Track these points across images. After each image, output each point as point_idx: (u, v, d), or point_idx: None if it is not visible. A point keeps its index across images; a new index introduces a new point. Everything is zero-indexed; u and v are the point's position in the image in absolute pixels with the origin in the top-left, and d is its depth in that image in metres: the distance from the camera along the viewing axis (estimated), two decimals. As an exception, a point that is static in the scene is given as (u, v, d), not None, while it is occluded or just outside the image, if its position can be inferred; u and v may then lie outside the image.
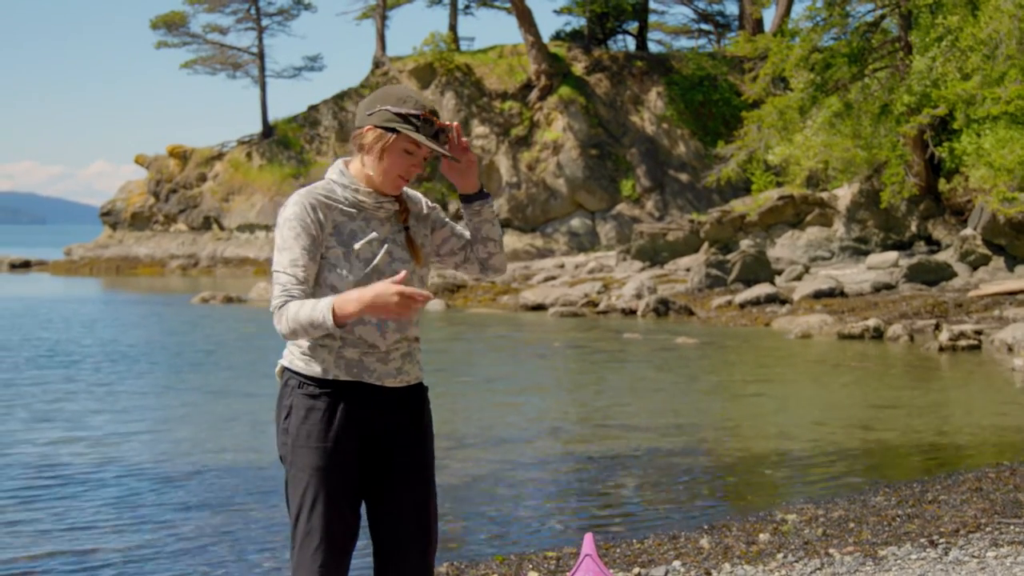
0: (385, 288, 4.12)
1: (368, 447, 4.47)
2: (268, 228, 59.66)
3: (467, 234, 4.78)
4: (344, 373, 4.41)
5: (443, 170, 4.61)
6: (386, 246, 4.46)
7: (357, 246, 4.41)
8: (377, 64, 66.72)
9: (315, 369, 4.42)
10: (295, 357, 4.48)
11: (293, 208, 4.38)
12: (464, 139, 4.53)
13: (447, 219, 4.77)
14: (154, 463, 12.05)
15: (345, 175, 4.51)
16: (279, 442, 4.51)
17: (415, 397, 4.58)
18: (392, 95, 4.46)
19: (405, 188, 4.63)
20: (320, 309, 4.16)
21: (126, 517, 9.74)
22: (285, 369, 4.54)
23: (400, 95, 4.45)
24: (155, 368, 20.44)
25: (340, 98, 65.61)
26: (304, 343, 4.43)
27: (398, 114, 4.39)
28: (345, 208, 4.45)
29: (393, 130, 4.39)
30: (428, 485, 4.60)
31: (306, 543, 4.36)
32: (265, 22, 70.97)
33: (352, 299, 4.15)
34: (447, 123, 4.47)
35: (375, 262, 4.41)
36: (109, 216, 68.66)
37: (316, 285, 4.40)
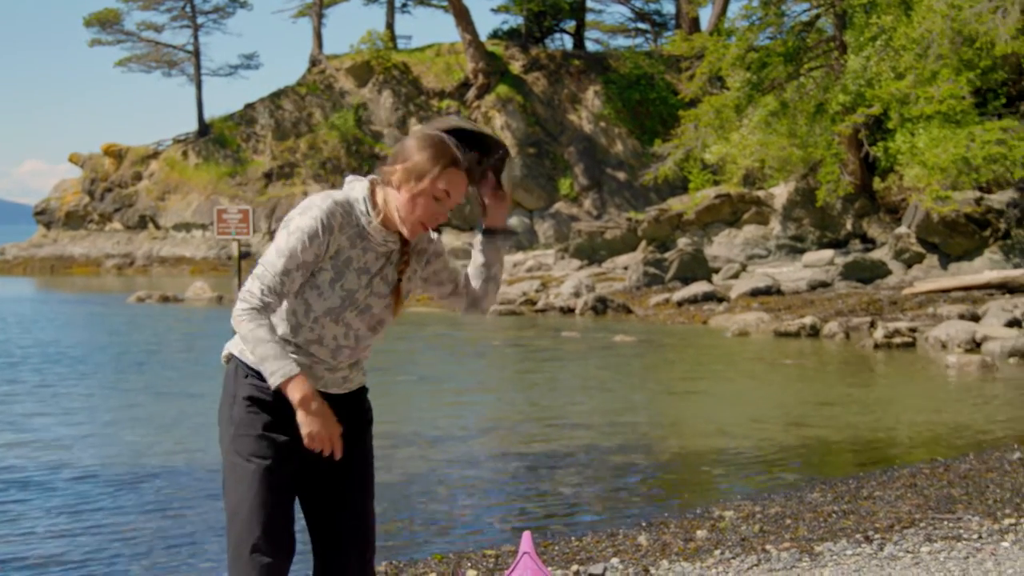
0: (328, 425, 4.15)
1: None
2: (204, 227, 59.28)
3: (461, 271, 4.68)
4: None
5: (484, 194, 4.50)
6: (373, 281, 4.40)
7: (346, 276, 4.33)
8: (314, 62, 66.50)
9: None
10: (245, 349, 4.43)
11: (311, 221, 4.23)
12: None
13: (445, 251, 4.67)
14: (103, 466, 11.91)
15: (368, 202, 4.36)
16: (222, 431, 4.46)
17: (356, 399, 4.56)
18: (434, 126, 4.33)
19: None
20: (275, 367, 4.13)
21: (75, 522, 9.64)
22: (233, 356, 4.50)
23: (442, 123, 4.33)
24: (99, 369, 20.24)
25: (277, 96, 65.32)
26: None
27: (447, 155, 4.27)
28: (352, 232, 4.33)
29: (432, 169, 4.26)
30: (367, 486, 4.55)
31: (245, 536, 4.27)
32: (200, 20, 70.59)
33: (301, 396, 4.13)
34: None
35: (356, 294, 4.35)
36: (43, 215, 68.04)
37: (294, 295, 4.36)
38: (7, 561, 8.42)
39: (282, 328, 4.37)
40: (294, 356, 4.35)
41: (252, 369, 4.38)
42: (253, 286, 4.21)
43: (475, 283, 4.67)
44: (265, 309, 4.19)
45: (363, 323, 4.42)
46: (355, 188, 4.40)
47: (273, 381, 4.12)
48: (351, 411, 4.49)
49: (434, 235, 4.64)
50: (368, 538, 4.52)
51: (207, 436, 13.22)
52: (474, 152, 4.32)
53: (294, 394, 4.11)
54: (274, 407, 4.35)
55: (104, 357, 22.08)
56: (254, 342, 4.15)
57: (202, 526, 9.37)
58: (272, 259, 4.22)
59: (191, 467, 11.80)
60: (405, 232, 4.34)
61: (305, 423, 4.13)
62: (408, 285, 4.55)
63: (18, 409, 15.84)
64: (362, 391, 4.61)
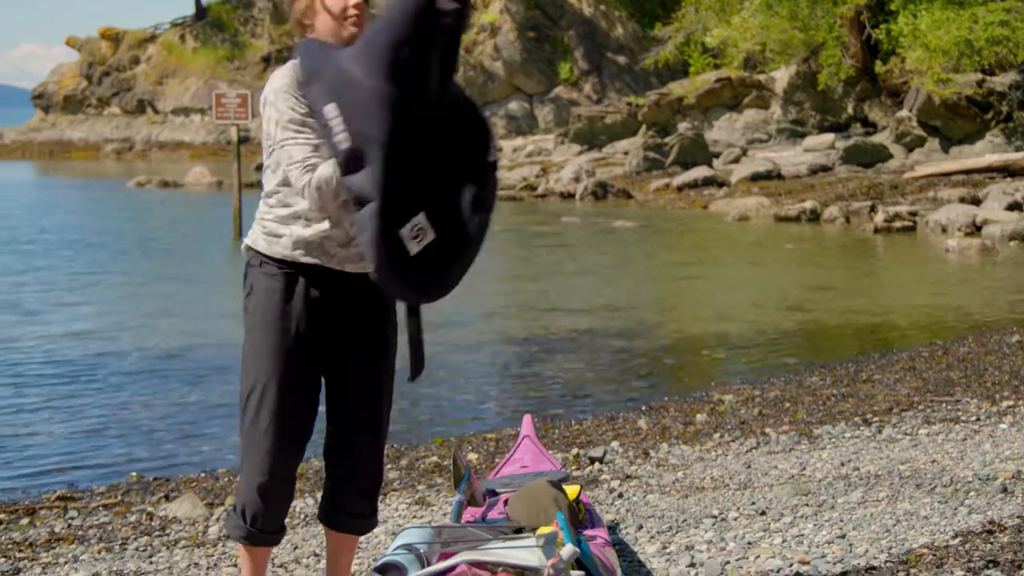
0: None
1: (327, 330, 4.37)
2: (203, 112, 58.90)
3: None
4: (304, 254, 4.28)
5: None
6: None
7: None
8: (311, -57, 65.77)
9: (276, 249, 4.29)
10: (259, 237, 4.35)
11: (278, 81, 4.22)
12: None
13: None
14: (146, 356, 12.01)
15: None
16: (245, 320, 4.45)
17: (375, 289, 4.34)
18: None
19: None
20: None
21: (124, 410, 9.77)
22: (248, 248, 4.45)
23: None
24: (119, 256, 20.25)
25: (274, -21, 64.73)
26: (270, 223, 4.35)
27: None
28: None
29: None
30: (382, 374, 4.47)
31: (255, 425, 4.28)
32: (197, -100, 69.72)
33: None
34: None
35: None
36: (41, 99, 67.68)
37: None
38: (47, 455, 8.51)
39: (297, 204, 4.33)
40: (307, 231, 4.29)
41: (266, 257, 4.34)
42: (296, 158, 4.16)
43: None
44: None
45: None
46: (298, 51, 4.28)
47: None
48: (371, 294, 4.35)
49: None
50: (379, 426, 4.49)
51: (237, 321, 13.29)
52: None
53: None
54: (287, 295, 4.30)
55: (125, 244, 22.06)
56: (323, 181, 4.08)
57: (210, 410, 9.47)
58: (289, 137, 4.16)
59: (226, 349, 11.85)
60: (344, 35, 4.22)
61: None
62: None
63: (53, 298, 15.79)
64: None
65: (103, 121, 64.46)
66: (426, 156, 4.03)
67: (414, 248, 3.99)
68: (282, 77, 4.21)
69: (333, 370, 4.45)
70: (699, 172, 30.93)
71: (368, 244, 3.96)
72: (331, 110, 3.98)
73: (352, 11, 4.20)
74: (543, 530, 4.27)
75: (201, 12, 65.78)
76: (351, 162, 3.96)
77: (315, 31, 4.26)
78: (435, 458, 7.68)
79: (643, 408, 9.15)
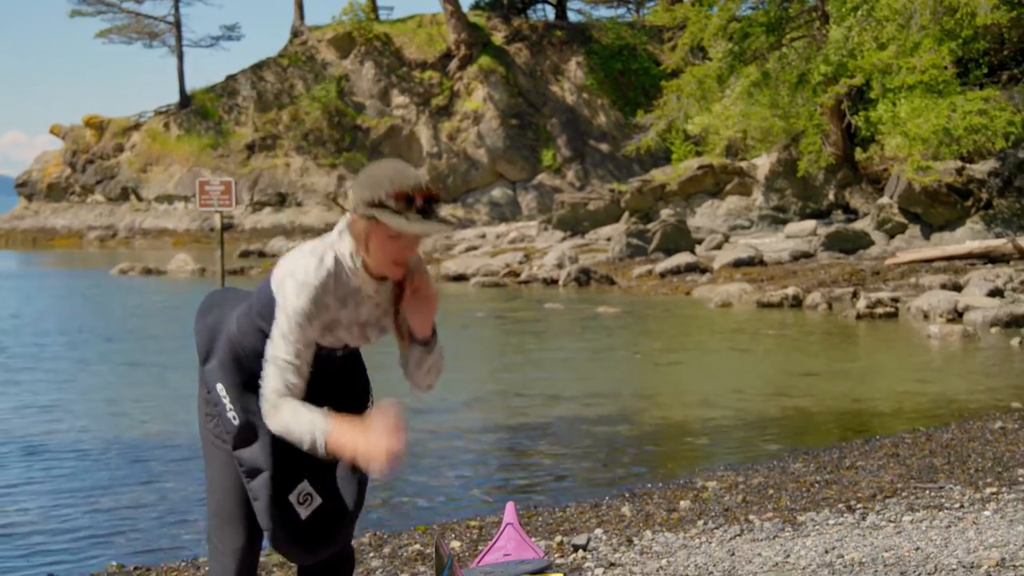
0: (377, 447, 4.00)
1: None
2: (186, 199, 59.05)
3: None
4: None
5: (404, 304, 4.29)
6: (366, 330, 4.35)
7: (336, 333, 4.26)
8: (296, 33, 66.32)
9: None
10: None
11: (303, 302, 4.11)
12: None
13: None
14: (110, 440, 11.96)
15: (350, 258, 4.19)
16: (199, 415, 4.49)
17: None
18: (371, 179, 4.09)
19: None
20: (313, 436, 4.02)
21: (71, 496, 9.69)
22: None
23: (377, 178, 4.07)
24: (103, 343, 20.20)
25: (258, 68, 65.12)
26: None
27: (372, 202, 4.01)
28: (343, 293, 4.21)
29: (373, 218, 4.05)
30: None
31: (216, 510, 4.38)
32: (182, -10, 70.33)
33: (348, 442, 3.99)
34: (431, 192, 4.07)
35: (344, 338, 4.32)
36: (25, 187, 67.84)
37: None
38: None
39: None
40: None
41: None
42: (273, 376, 4.12)
43: (417, 374, 4.51)
44: (289, 397, 4.12)
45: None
46: (340, 237, 4.24)
47: (319, 452, 4.03)
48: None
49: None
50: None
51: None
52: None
53: (342, 448, 4.00)
54: None
55: (104, 331, 22.02)
56: (286, 428, 4.07)
57: (190, 498, 9.40)
58: (282, 344, 4.12)
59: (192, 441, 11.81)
60: (387, 275, 4.21)
61: (359, 458, 4.02)
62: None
63: (27, 384, 15.77)
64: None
65: (86, 209, 64.59)
66: None
67: (304, 513, 4.22)
68: (306, 300, 4.15)
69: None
70: (682, 258, 31.06)
71: (262, 511, 4.17)
72: (220, 389, 4.29)
73: (401, 259, 4.16)
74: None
75: (185, 100, 66.13)
76: (243, 436, 4.21)
77: (369, 256, 4.16)
78: (418, 546, 7.63)
79: (627, 495, 9.12)
